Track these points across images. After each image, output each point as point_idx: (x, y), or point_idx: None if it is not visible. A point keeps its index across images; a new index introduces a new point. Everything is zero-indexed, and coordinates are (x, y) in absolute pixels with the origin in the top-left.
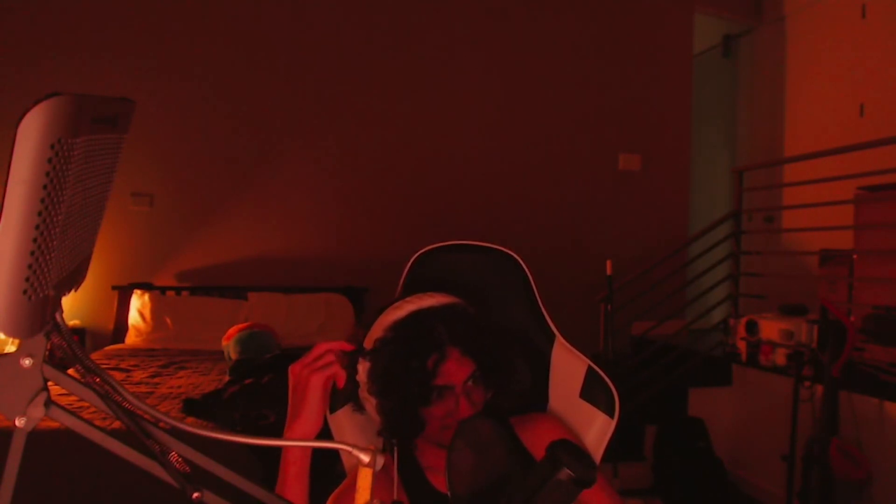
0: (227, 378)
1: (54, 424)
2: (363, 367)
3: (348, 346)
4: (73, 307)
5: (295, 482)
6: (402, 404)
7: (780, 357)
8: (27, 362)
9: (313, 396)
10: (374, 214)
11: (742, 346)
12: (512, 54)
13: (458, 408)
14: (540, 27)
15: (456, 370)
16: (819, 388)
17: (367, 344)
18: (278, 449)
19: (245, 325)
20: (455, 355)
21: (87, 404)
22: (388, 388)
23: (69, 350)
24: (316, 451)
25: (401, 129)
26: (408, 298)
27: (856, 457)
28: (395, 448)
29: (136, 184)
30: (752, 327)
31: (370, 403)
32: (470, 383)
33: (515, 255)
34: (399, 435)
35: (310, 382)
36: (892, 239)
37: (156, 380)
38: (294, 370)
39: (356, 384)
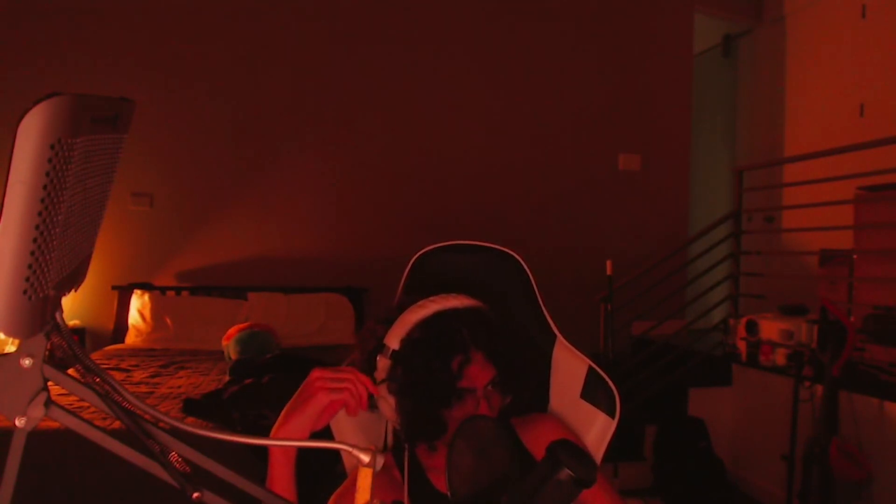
0: (227, 378)
1: (54, 424)
2: (383, 365)
3: (373, 388)
4: (73, 307)
5: (280, 482)
6: (424, 405)
7: (780, 357)
8: (27, 362)
9: (311, 409)
10: (374, 214)
11: (742, 346)
12: (512, 54)
13: (477, 411)
14: (540, 27)
15: (479, 374)
16: (819, 388)
17: (389, 342)
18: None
19: (245, 325)
20: (479, 359)
21: (87, 404)
22: (409, 388)
23: (69, 350)
24: (312, 451)
25: (401, 130)
26: (431, 298)
27: (856, 457)
28: (406, 451)
29: (136, 184)
30: (752, 327)
31: (387, 402)
32: (490, 388)
33: (516, 255)
34: (419, 437)
35: (315, 395)
36: (892, 239)
37: (156, 380)
38: (314, 374)
39: (372, 381)
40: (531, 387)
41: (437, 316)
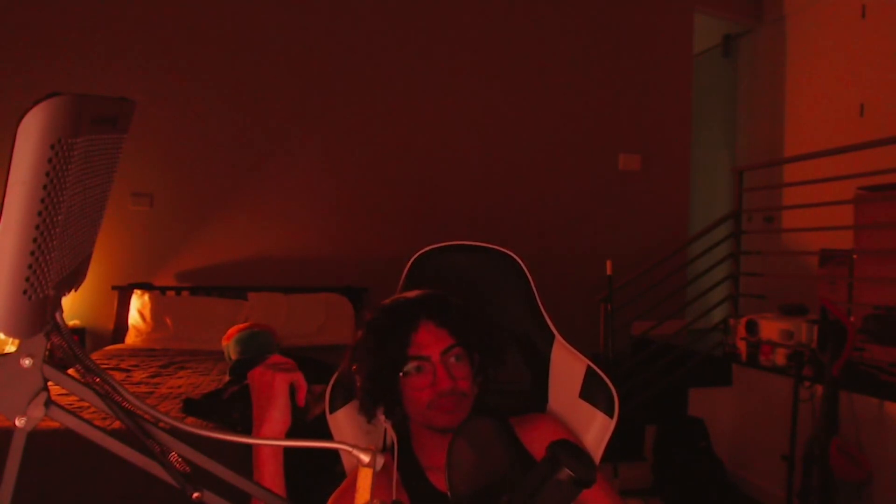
0: (227, 378)
1: (54, 424)
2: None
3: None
4: (73, 307)
5: (271, 480)
6: (379, 374)
7: (780, 357)
8: (27, 362)
9: (279, 397)
10: (374, 214)
11: (742, 346)
12: (511, 54)
13: (436, 378)
14: (540, 27)
15: (430, 341)
16: (819, 388)
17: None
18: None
19: (245, 325)
20: (429, 327)
21: (87, 404)
22: (365, 360)
23: (69, 350)
24: (310, 450)
25: (400, 130)
26: (398, 294)
27: (856, 457)
28: (395, 445)
29: (136, 184)
30: (752, 327)
31: (357, 389)
32: (452, 360)
33: (515, 256)
34: (375, 404)
35: (274, 383)
36: (892, 239)
37: (156, 380)
38: (255, 374)
39: (356, 380)
40: (500, 358)
41: (395, 300)
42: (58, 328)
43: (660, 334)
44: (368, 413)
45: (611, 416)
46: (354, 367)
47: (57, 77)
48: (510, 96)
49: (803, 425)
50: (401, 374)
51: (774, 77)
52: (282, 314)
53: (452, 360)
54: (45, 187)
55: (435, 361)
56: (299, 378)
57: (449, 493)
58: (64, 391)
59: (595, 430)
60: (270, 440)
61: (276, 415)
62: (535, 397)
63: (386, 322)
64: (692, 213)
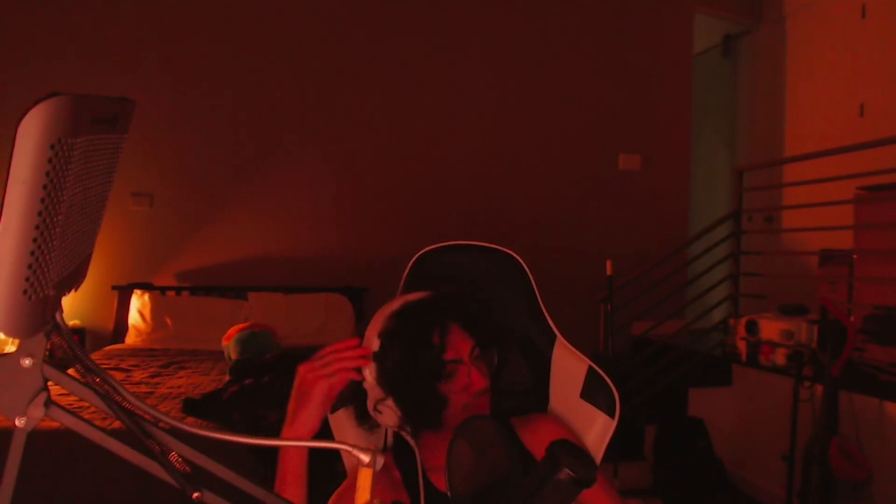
0: (227, 378)
1: (54, 424)
2: (370, 373)
3: (354, 340)
4: (73, 307)
5: (293, 483)
6: (420, 384)
7: (780, 357)
8: (27, 362)
9: (315, 401)
10: (374, 214)
11: (742, 346)
12: (512, 54)
13: (471, 379)
14: (540, 27)
15: (459, 343)
16: (819, 388)
17: (366, 346)
18: (277, 448)
19: (245, 325)
20: (456, 329)
21: (87, 404)
22: (400, 377)
23: (69, 350)
24: (315, 451)
25: (401, 130)
26: (396, 298)
27: (856, 457)
28: (414, 444)
29: (136, 184)
30: (752, 327)
31: (385, 406)
32: (475, 358)
33: (516, 255)
34: (424, 419)
35: (315, 387)
36: (892, 239)
37: (156, 380)
38: (302, 370)
39: (363, 392)
40: (510, 356)
41: (406, 304)
42: (58, 328)
43: (660, 334)
44: (416, 426)
45: (612, 417)
46: (373, 378)
47: (57, 77)
48: (510, 96)
49: (803, 425)
50: (441, 380)
51: (774, 77)
52: (282, 314)
53: (475, 358)
54: (45, 187)
55: (468, 363)
56: (342, 379)
57: (449, 494)
58: (64, 391)
59: (596, 430)
60: (272, 440)
61: (306, 419)
62: (536, 397)
63: (415, 328)
64: (692, 213)
